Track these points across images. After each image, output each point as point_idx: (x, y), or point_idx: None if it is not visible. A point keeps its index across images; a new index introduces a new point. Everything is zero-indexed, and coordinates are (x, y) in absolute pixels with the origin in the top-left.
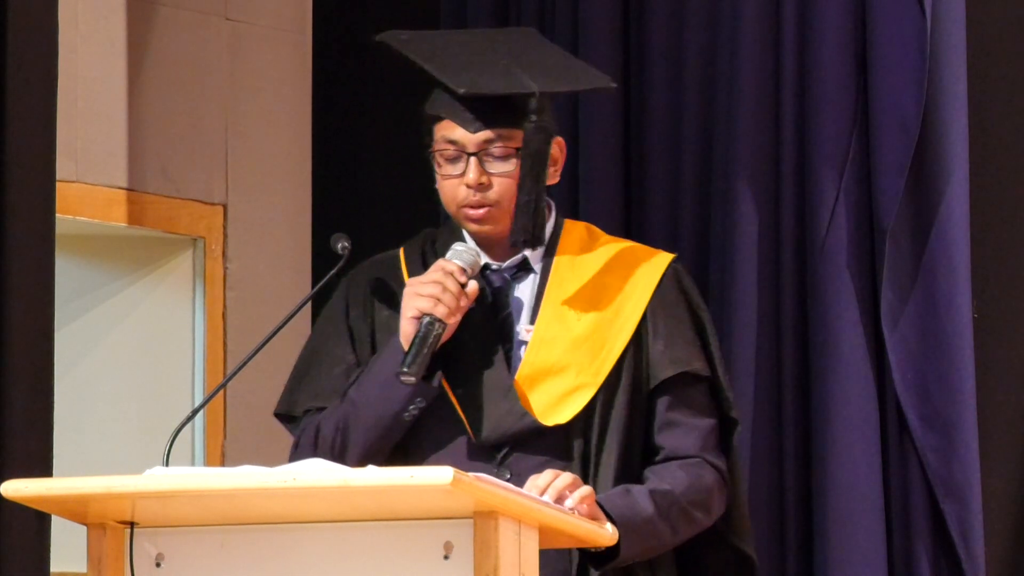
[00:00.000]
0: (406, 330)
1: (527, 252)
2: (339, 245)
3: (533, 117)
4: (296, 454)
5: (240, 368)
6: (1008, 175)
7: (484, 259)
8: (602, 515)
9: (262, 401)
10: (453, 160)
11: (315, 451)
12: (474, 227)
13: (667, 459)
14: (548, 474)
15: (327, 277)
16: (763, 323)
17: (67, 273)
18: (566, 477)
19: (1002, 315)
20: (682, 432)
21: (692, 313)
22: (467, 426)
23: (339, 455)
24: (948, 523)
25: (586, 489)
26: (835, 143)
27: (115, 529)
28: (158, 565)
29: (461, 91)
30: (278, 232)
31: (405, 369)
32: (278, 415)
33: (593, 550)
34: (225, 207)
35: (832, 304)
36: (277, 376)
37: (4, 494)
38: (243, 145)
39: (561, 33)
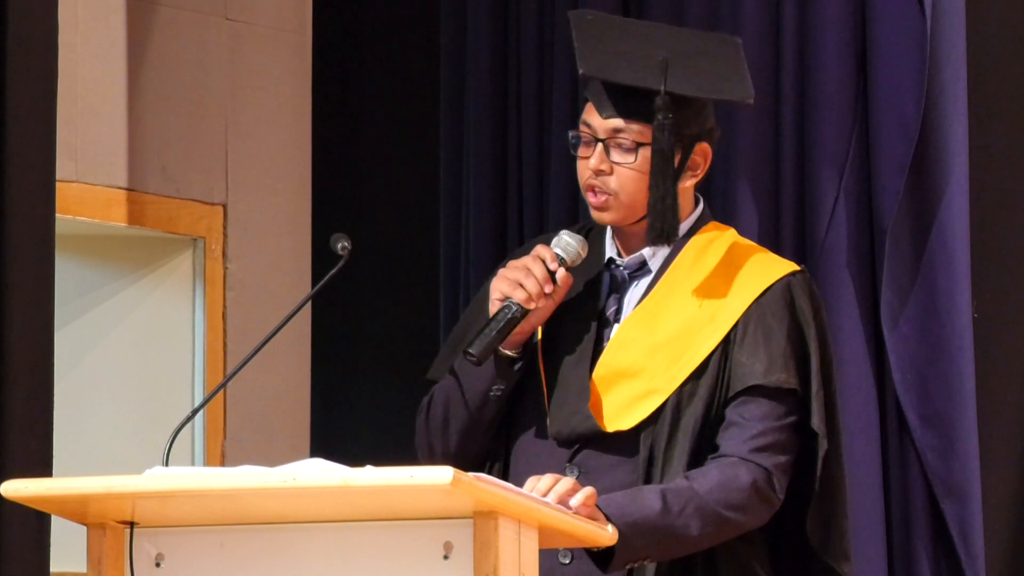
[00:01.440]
0: (490, 310)
1: (646, 252)
2: (339, 245)
3: (660, 115)
4: (418, 419)
5: (240, 368)
6: (1008, 175)
7: (613, 252)
8: (602, 516)
9: (262, 401)
10: (587, 143)
11: (427, 419)
12: (594, 214)
13: (716, 458)
14: (549, 478)
15: (327, 277)
16: None
17: (67, 273)
18: (566, 482)
19: (1002, 315)
20: (734, 432)
21: (794, 326)
22: (547, 417)
23: (444, 426)
24: (948, 523)
25: (588, 490)
26: (835, 143)
27: (115, 529)
28: (158, 565)
29: (581, 71)
30: (278, 232)
31: (469, 349)
32: (429, 379)
33: (597, 551)
34: (225, 207)
35: (832, 303)
36: (277, 376)
37: (4, 494)
38: (243, 145)
39: (561, 33)
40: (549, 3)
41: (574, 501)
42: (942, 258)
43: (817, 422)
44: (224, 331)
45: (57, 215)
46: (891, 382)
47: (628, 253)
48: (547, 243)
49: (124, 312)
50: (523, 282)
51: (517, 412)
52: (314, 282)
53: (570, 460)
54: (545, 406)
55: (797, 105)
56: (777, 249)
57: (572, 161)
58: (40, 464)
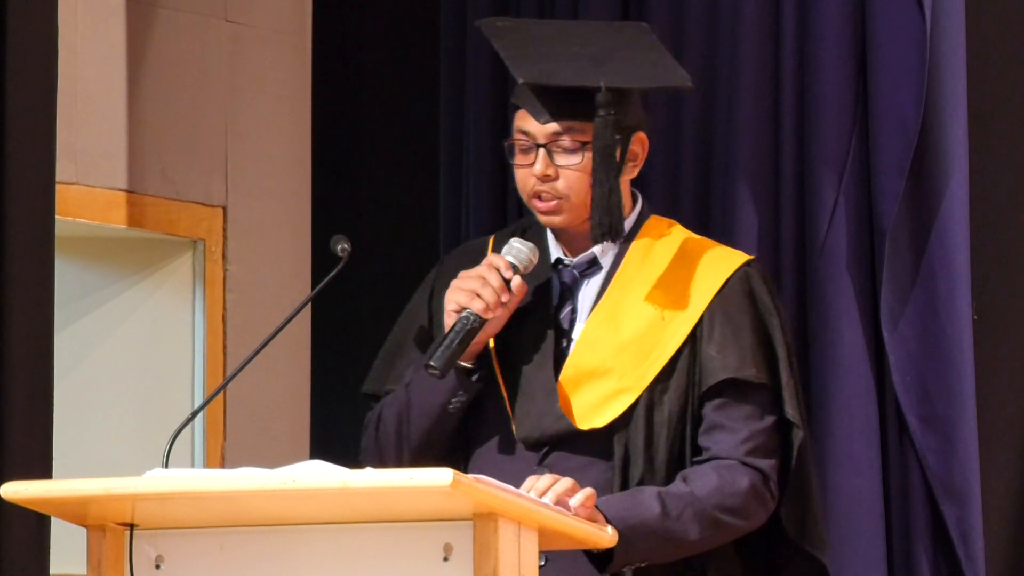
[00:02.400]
0: (446, 322)
1: (596, 250)
2: (339, 247)
3: (602, 112)
4: (364, 435)
5: (240, 370)
6: (1008, 175)
7: (558, 253)
8: (601, 517)
9: (262, 403)
10: (526, 150)
11: (377, 435)
12: (544, 219)
13: (708, 460)
14: (547, 478)
15: (327, 279)
16: None
17: (67, 275)
18: (565, 482)
19: (1002, 316)
20: (726, 434)
21: (756, 317)
22: (512, 422)
23: (397, 441)
24: (948, 523)
25: (588, 491)
26: (835, 144)
27: (115, 531)
28: (158, 567)
29: (521, 80)
30: (278, 234)
31: (431, 363)
32: (365, 394)
33: (596, 552)
34: (225, 209)
35: (832, 304)
36: (277, 378)
37: (4, 496)
38: (243, 147)
39: None
40: (549, 3)
41: (574, 501)
42: (942, 259)
43: (791, 412)
44: (224, 333)
45: (57, 217)
46: (891, 384)
47: (574, 252)
48: (475, 248)
49: (124, 314)
50: (480, 292)
51: (474, 422)
52: (314, 284)
53: (540, 462)
54: (508, 412)
55: (797, 106)
56: (777, 249)
57: None
58: (40, 465)
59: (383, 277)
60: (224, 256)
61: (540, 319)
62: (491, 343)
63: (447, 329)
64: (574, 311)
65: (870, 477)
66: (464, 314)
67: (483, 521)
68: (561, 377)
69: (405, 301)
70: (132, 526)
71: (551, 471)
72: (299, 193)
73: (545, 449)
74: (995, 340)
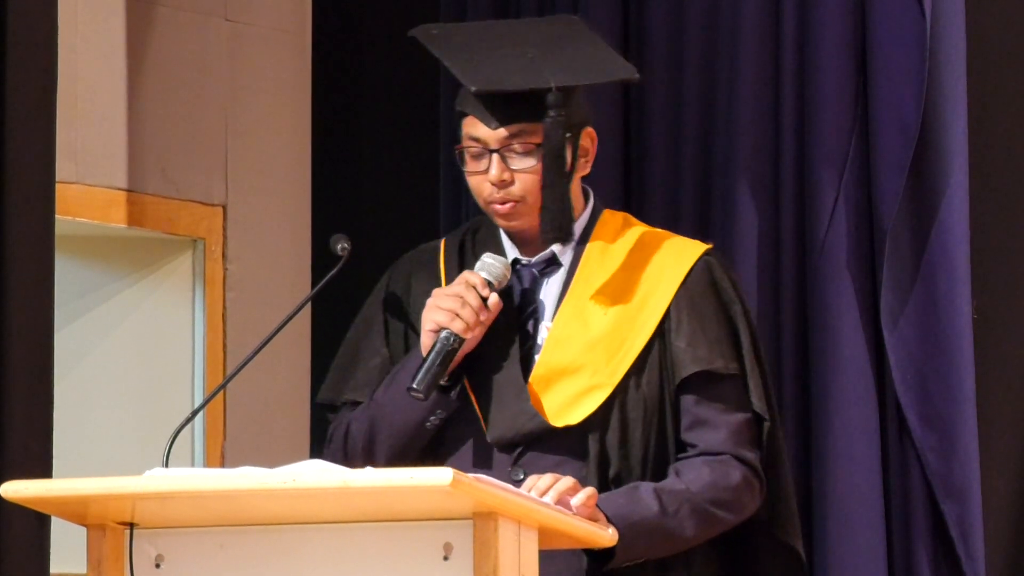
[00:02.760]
0: (424, 342)
1: (555, 247)
2: (339, 246)
3: (552, 112)
4: (329, 449)
5: (240, 369)
6: (1008, 175)
7: (515, 254)
8: (603, 517)
9: (262, 402)
10: (477, 157)
11: (345, 449)
12: (503, 223)
13: (697, 456)
14: (548, 477)
15: (327, 278)
16: (763, 323)
17: (67, 274)
18: (567, 480)
19: (1002, 315)
20: (712, 429)
21: (721, 307)
22: (483, 425)
23: (366, 456)
24: (948, 523)
25: (589, 490)
26: (835, 143)
27: (115, 530)
28: (158, 566)
29: (473, 89)
30: (278, 233)
31: (415, 386)
32: (320, 404)
33: (596, 550)
34: (225, 208)
35: (832, 304)
36: (277, 377)
37: (4, 495)
38: (243, 146)
39: None
40: (549, 3)
41: (575, 500)
42: (942, 258)
43: (756, 401)
44: (224, 332)
45: (57, 216)
46: (891, 383)
47: (529, 252)
48: (427, 252)
49: (124, 313)
50: (459, 312)
51: (442, 430)
52: (314, 283)
53: (514, 463)
54: (477, 416)
55: (797, 105)
56: (777, 249)
57: None
58: (40, 465)
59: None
60: (224, 255)
61: (503, 321)
62: None
63: (426, 349)
64: (536, 311)
65: (870, 476)
66: (444, 335)
67: (483, 520)
68: (532, 376)
69: None
70: (132, 525)
71: (526, 471)
72: (299, 192)
73: (519, 449)
74: (995, 339)
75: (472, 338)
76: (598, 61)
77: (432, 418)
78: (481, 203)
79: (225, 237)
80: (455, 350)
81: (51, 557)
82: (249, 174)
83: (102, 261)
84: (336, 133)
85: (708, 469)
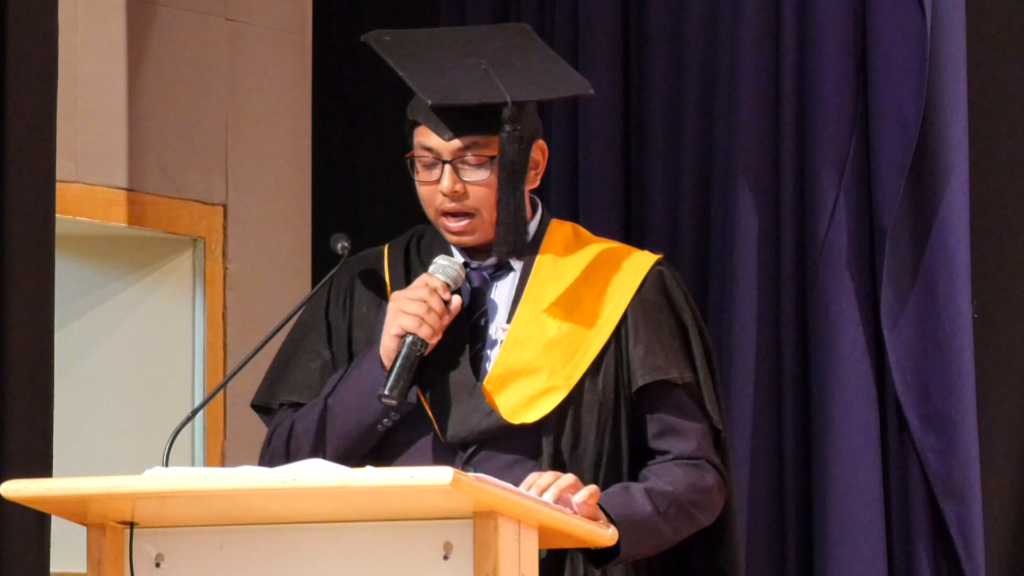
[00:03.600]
0: (388, 346)
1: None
2: (339, 245)
3: (507, 127)
4: (268, 451)
5: (240, 368)
6: (1008, 175)
7: (464, 258)
8: (602, 515)
9: None
10: (429, 167)
11: (287, 448)
12: (455, 239)
13: (672, 460)
14: (549, 475)
15: (327, 277)
16: (763, 323)
17: (67, 273)
18: (568, 477)
19: (1002, 315)
20: (682, 436)
21: (675, 317)
22: (435, 425)
23: (312, 454)
24: (948, 523)
25: (591, 488)
26: (835, 143)
27: (115, 529)
28: (158, 565)
29: (430, 102)
30: (278, 232)
31: (387, 392)
32: (255, 407)
33: (593, 549)
34: (225, 207)
35: (832, 304)
36: None
37: (4, 494)
38: (243, 145)
39: (561, 33)
40: (549, 3)
41: (577, 498)
42: (942, 258)
43: (712, 411)
44: (224, 331)
45: (57, 215)
46: (891, 382)
47: (476, 257)
48: (370, 258)
49: (124, 312)
50: (424, 317)
51: (389, 431)
52: (314, 282)
53: (467, 461)
54: (428, 416)
55: (797, 105)
56: (777, 249)
57: (572, 158)
58: (40, 464)
59: None
60: (224, 254)
61: (454, 321)
62: None
63: (390, 352)
64: (486, 313)
65: (870, 476)
66: (410, 340)
67: (483, 520)
68: (489, 376)
69: None
70: (132, 524)
71: (477, 470)
72: (299, 191)
73: (472, 448)
74: (995, 338)
75: (433, 343)
76: (552, 75)
77: (385, 420)
78: (431, 214)
79: (225, 236)
80: (421, 355)
81: (51, 556)
82: (249, 174)
83: (102, 260)
84: (336, 133)
85: (683, 472)
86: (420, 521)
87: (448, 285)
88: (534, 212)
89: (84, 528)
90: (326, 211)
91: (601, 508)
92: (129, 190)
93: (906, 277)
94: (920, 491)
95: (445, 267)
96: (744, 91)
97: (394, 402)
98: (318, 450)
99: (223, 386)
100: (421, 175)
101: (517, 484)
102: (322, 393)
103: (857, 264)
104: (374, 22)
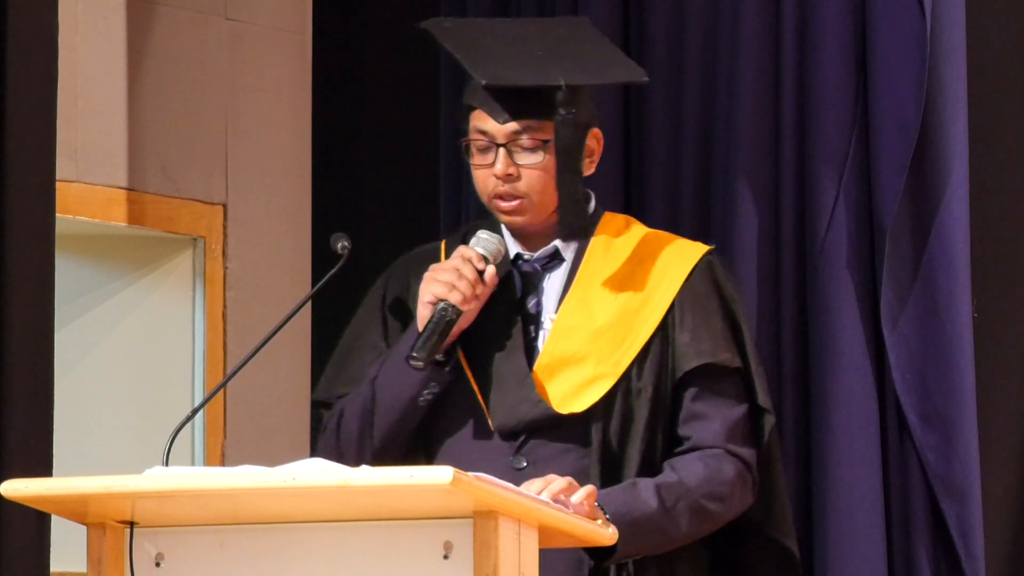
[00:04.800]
0: (421, 314)
1: (558, 242)
2: (339, 245)
3: (562, 110)
4: (323, 437)
5: (240, 368)
6: (1008, 175)
7: (516, 248)
8: (602, 514)
9: (262, 401)
10: (484, 150)
11: (338, 434)
12: (506, 219)
13: (691, 450)
14: (539, 481)
15: (327, 277)
16: (763, 323)
17: (67, 273)
18: (561, 481)
19: (1002, 315)
20: (706, 423)
21: (723, 305)
22: (485, 412)
23: (360, 438)
24: (948, 523)
25: (588, 488)
26: (835, 143)
27: (115, 529)
28: (158, 565)
29: (484, 82)
30: (278, 232)
31: (414, 354)
32: (316, 402)
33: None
34: (225, 207)
35: (832, 304)
36: (277, 376)
37: (4, 494)
38: (243, 145)
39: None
40: (549, 3)
41: (575, 498)
42: (942, 258)
43: (762, 396)
44: (224, 331)
45: (57, 215)
46: (891, 382)
47: (530, 248)
48: (427, 253)
49: (124, 312)
50: (456, 284)
51: (440, 416)
52: (314, 282)
53: (517, 451)
54: (480, 403)
55: (797, 105)
56: (777, 249)
57: None
58: (40, 464)
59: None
60: (224, 254)
61: (505, 310)
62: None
63: (423, 320)
64: (539, 302)
65: (870, 475)
66: (441, 306)
67: (483, 519)
68: (537, 365)
69: None
70: (132, 524)
71: (528, 459)
72: (299, 191)
73: (522, 437)
74: (995, 338)
75: (468, 312)
76: (607, 62)
77: (425, 392)
78: (484, 198)
79: (225, 236)
80: (453, 321)
81: (51, 556)
82: (249, 173)
83: (102, 260)
84: (336, 133)
85: (702, 464)
86: (420, 520)
87: (485, 258)
88: (587, 202)
89: (84, 528)
90: (326, 211)
91: (601, 508)
92: (129, 189)
93: (906, 277)
94: (920, 491)
95: (485, 240)
96: (744, 91)
97: (420, 363)
98: (365, 431)
99: (223, 386)
100: (476, 159)
101: (568, 473)
102: (368, 377)
103: (857, 264)
104: (374, 22)
